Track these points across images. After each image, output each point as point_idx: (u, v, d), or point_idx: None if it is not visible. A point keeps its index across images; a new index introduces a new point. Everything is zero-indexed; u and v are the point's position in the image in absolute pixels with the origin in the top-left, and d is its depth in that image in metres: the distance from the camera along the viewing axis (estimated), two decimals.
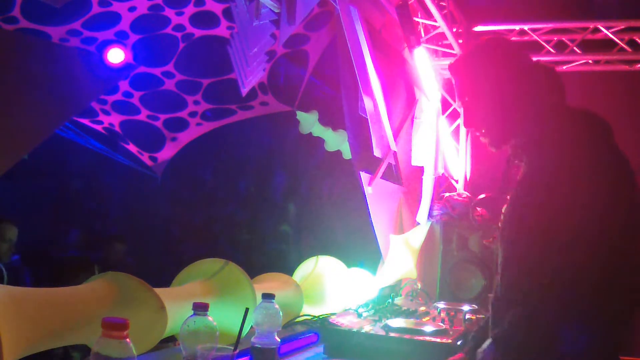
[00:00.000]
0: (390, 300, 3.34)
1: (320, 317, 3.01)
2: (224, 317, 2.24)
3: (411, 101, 4.57)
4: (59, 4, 3.76)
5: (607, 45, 4.51)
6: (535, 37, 4.57)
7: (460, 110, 4.41)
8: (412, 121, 4.60)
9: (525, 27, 4.60)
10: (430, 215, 4.57)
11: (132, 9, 4.21)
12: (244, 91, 3.82)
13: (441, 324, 2.88)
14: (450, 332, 2.71)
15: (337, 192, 8.13)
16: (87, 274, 4.07)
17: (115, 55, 4.61)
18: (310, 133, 5.35)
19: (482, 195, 4.40)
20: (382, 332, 2.65)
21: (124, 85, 5.10)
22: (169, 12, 4.34)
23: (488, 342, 2.09)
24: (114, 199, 8.94)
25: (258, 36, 3.59)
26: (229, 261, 2.48)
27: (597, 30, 4.48)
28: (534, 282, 1.95)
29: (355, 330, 2.65)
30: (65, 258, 6.73)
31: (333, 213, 7.97)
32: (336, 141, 5.40)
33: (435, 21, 4.34)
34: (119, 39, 4.56)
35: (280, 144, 8.43)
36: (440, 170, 4.75)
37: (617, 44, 4.46)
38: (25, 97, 4.01)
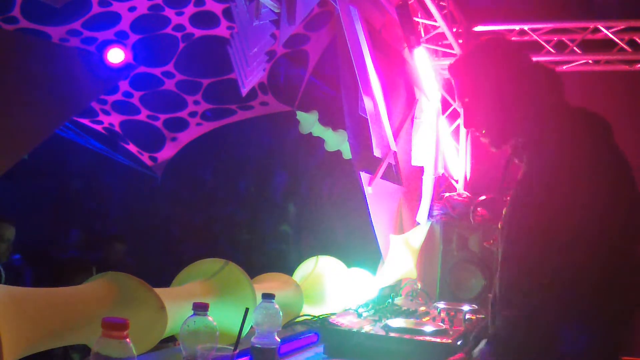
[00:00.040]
0: (390, 300, 3.33)
1: (320, 317, 3.01)
2: (224, 317, 2.24)
3: (411, 101, 4.57)
4: (59, 4, 3.76)
5: (607, 45, 4.51)
6: (535, 37, 4.57)
7: (461, 111, 4.41)
8: (412, 121, 4.60)
9: (525, 27, 4.60)
10: (430, 215, 4.57)
11: (132, 9, 4.21)
12: (244, 91, 3.82)
13: (441, 324, 2.88)
14: (450, 332, 2.71)
15: (337, 192, 8.13)
16: (85, 275, 4.07)
17: (115, 55, 4.61)
18: (310, 133, 5.35)
19: (483, 197, 4.40)
20: (382, 332, 2.65)
21: (124, 85, 5.10)
22: (169, 12, 4.34)
23: (484, 342, 2.09)
24: (114, 199, 8.94)
25: (258, 36, 3.59)
26: (229, 261, 2.48)
27: (597, 30, 4.48)
28: (534, 282, 1.95)
29: (355, 330, 2.65)
30: (63, 259, 6.73)
31: (333, 213, 7.97)
32: (336, 141, 5.40)
33: (435, 21, 4.34)
34: (119, 39, 4.56)
35: (280, 144, 8.43)
36: (440, 170, 4.75)
37: (617, 44, 4.45)
38: (25, 97, 4.01)
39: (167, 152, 5.93)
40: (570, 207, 1.90)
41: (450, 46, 4.64)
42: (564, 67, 4.64)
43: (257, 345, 1.94)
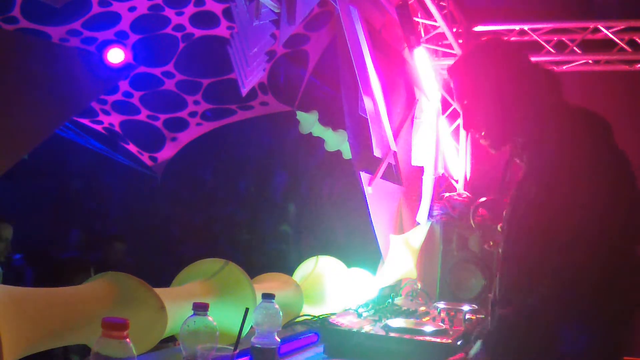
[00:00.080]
0: (390, 300, 3.33)
1: (320, 317, 3.01)
2: (224, 317, 2.24)
3: (411, 101, 4.57)
4: (59, 4, 3.76)
5: (607, 45, 4.51)
6: (535, 37, 4.57)
7: (460, 112, 4.41)
8: (412, 121, 4.60)
9: (525, 27, 4.60)
10: (430, 215, 4.57)
11: (132, 9, 4.21)
12: (244, 91, 3.82)
13: (441, 324, 2.88)
14: (450, 332, 2.71)
15: (337, 192, 8.13)
16: (83, 275, 4.07)
17: (115, 55, 4.61)
18: (310, 133, 5.35)
19: (483, 199, 4.40)
20: (382, 332, 2.65)
21: (124, 85, 5.10)
22: (169, 12, 4.34)
23: (479, 342, 2.09)
24: (114, 199, 8.94)
25: (258, 36, 3.59)
26: (229, 261, 2.48)
27: (597, 30, 4.48)
28: (534, 282, 1.95)
29: (355, 330, 2.65)
30: (61, 259, 6.74)
31: (333, 213, 7.97)
32: (336, 141, 5.40)
33: (435, 21, 4.34)
34: (119, 39, 4.56)
35: (280, 144, 8.44)
36: (440, 170, 4.76)
37: (617, 44, 4.45)
38: (25, 97, 4.01)
39: (167, 152, 5.93)
40: (570, 207, 1.90)
41: (450, 46, 4.64)
42: (564, 67, 4.64)
43: (257, 345, 1.94)
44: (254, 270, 2.75)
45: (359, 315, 2.91)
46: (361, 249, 4.73)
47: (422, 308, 3.38)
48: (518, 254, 2.06)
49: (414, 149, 4.59)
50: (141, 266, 6.14)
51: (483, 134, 2.22)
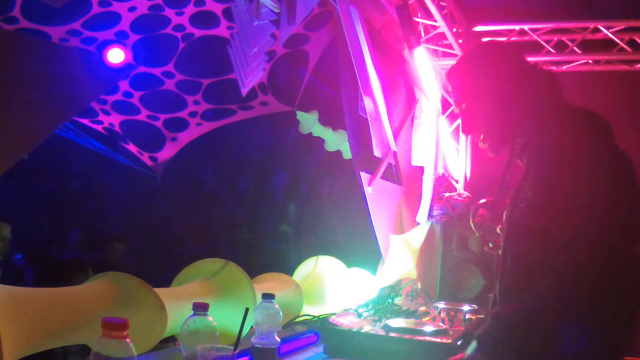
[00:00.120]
0: (390, 300, 3.33)
1: (320, 317, 3.01)
2: (224, 317, 2.24)
3: (411, 101, 4.57)
4: (59, 4, 3.76)
5: (607, 45, 4.51)
6: (535, 37, 4.57)
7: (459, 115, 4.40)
8: (412, 121, 4.60)
9: (525, 27, 4.60)
10: (430, 215, 4.57)
11: (132, 9, 4.21)
12: (244, 91, 3.82)
13: (441, 324, 2.88)
14: (450, 332, 2.71)
15: (337, 192, 8.13)
16: (81, 276, 4.06)
17: (115, 55, 4.61)
18: (310, 133, 5.35)
19: (483, 200, 4.40)
20: (382, 332, 2.64)
21: (124, 85, 5.10)
22: (169, 12, 4.34)
23: (474, 342, 2.09)
24: (114, 199, 8.95)
25: (258, 36, 3.59)
26: (229, 261, 2.48)
27: (597, 30, 4.48)
28: (533, 282, 1.95)
29: (355, 330, 2.65)
30: (60, 259, 6.75)
31: (333, 213, 7.97)
32: (336, 141, 5.40)
33: (435, 21, 4.34)
34: (119, 39, 4.56)
35: (280, 144, 8.44)
36: (440, 170, 4.76)
37: (617, 44, 4.46)
38: (25, 97, 4.01)
39: (167, 152, 5.93)
40: (570, 207, 1.90)
41: (450, 46, 4.64)
42: (564, 67, 4.64)
43: (257, 345, 1.94)
44: (254, 270, 2.75)
45: (359, 315, 2.91)
46: (361, 249, 4.73)
47: (422, 308, 3.38)
48: (518, 254, 2.06)
49: (414, 149, 4.59)
50: (141, 266, 6.14)
51: (482, 137, 2.22)
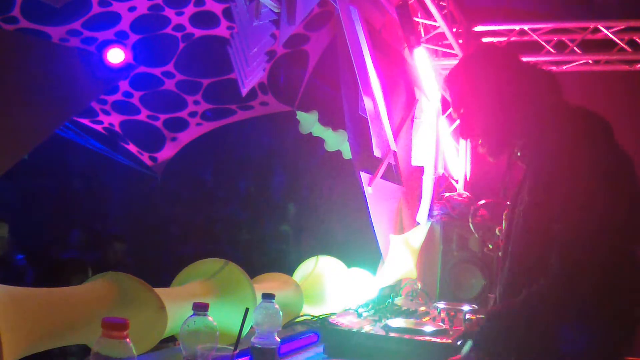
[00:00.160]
0: (390, 300, 3.33)
1: (320, 317, 3.01)
2: (224, 317, 2.24)
3: (411, 101, 4.57)
4: (59, 4, 3.76)
5: (607, 45, 4.51)
6: (535, 37, 4.57)
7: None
8: (412, 121, 4.60)
9: (525, 27, 4.60)
10: (430, 215, 4.57)
11: (132, 9, 4.21)
12: (244, 91, 3.82)
13: (441, 324, 2.88)
14: (450, 332, 2.71)
15: (337, 192, 8.13)
16: (81, 276, 4.06)
17: (115, 55, 4.61)
18: (310, 133, 5.35)
19: (483, 201, 4.40)
20: (382, 332, 2.64)
21: (124, 85, 5.10)
22: (169, 12, 4.34)
23: (470, 341, 2.09)
24: (114, 199, 8.95)
25: (258, 36, 3.59)
26: (229, 261, 2.48)
27: (597, 30, 4.48)
28: (533, 281, 1.95)
29: (355, 330, 2.65)
30: (59, 259, 6.75)
31: (333, 213, 7.98)
32: (336, 141, 5.40)
33: (435, 21, 4.34)
34: (119, 39, 4.56)
35: (280, 144, 8.45)
36: (440, 170, 4.76)
37: (617, 44, 4.46)
38: (25, 97, 4.01)
39: (167, 152, 5.93)
40: (569, 207, 1.90)
41: (450, 46, 4.64)
42: (564, 67, 4.64)
43: (257, 345, 1.94)
44: (254, 270, 2.75)
45: (359, 315, 2.91)
46: (361, 249, 4.73)
47: (422, 308, 3.38)
48: (518, 253, 2.06)
49: (414, 149, 4.59)
50: (141, 266, 6.14)
51: (481, 141, 2.22)
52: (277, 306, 1.97)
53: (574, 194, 1.90)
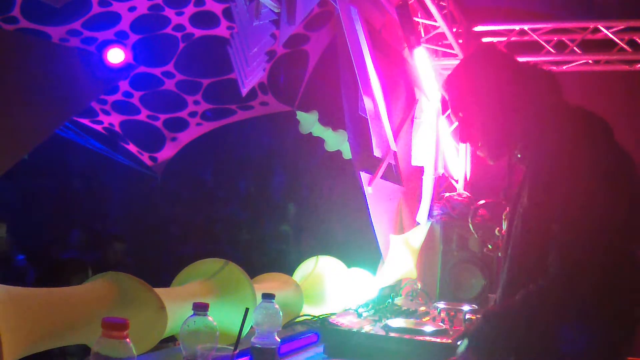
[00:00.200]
0: (390, 300, 3.33)
1: (320, 317, 3.01)
2: (224, 317, 2.24)
3: (411, 101, 4.57)
4: (59, 4, 3.76)
5: (607, 45, 4.51)
6: (535, 37, 4.57)
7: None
8: (412, 121, 4.60)
9: (525, 27, 4.60)
10: (430, 215, 4.57)
11: (132, 9, 4.21)
12: (244, 91, 3.82)
13: (441, 324, 2.88)
14: (450, 332, 2.71)
15: (337, 192, 8.14)
16: (81, 276, 4.07)
17: (115, 55, 4.61)
18: (310, 133, 5.35)
19: (482, 201, 4.40)
20: (382, 332, 2.65)
21: (124, 85, 5.10)
22: (169, 12, 4.34)
23: (465, 340, 2.09)
24: (114, 199, 8.96)
25: (258, 36, 3.59)
26: (229, 261, 2.48)
27: (597, 30, 4.48)
28: (533, 281, 1.95)
29: (355, 330, 2.65)
30: (59, 259, 6.76)
31: (333, 213, 7.98)
32: (336, 141, 5.40)
33: (435, 21, 4.34)
34: (119, 39, 4.56)
35: (280, 144, 8.45)
36: (440, 170, 4.75)
37: (617, 44, 4.46)
38: (25, 97, 4.01)
39: (167, 152, 5.93)
40: (569, 207, 1.90)
41: (450, 46, 4.64)
42: (564, 67, 4.64)
43: (257, 345, 1.94)
44: (254, 270, 2.75)
45: (359, 315, 2.91)
46: (361, 249, 4.73)
47: (422, 308, 3.38)
48: (518, 254, 2.06)
49: (414, 149, 4.59)
50: (141, 266, 6.14)
51: (480, 144, 2.22)
52: (277, 306, 1.97)
53: (574, 194, 1.90)
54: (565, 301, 1.89)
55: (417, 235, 4.41)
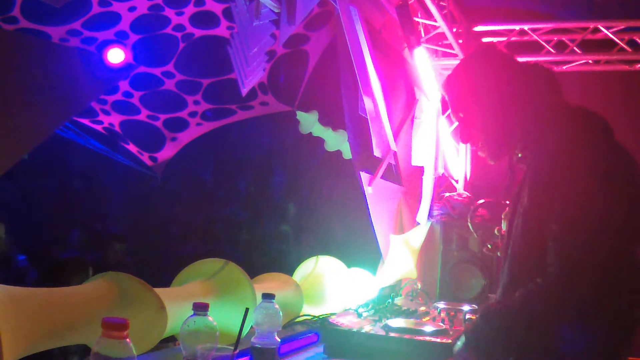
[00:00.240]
0: (390, 300, 3.33)
1: (320, 317, 3.01)
2: (224, 317, 2.24)
3: (411, 101, 4.57)
4: (59, 4, 3.76)
5: (607, 45, 4.51)
6: (535, 37, 4.57)
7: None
8: (412, 121, 4.60)
9: (525, 27, 4.60)
10: (430, 215, 4.57)
11: (132, 9, 4.21)
12: (244, 91, 3.82)
13: (441, 324, 2.88)
14: (450, 332, 2.71)
15: (337, 192, 8.14)
16: (81, 275, 4.07)
17: (115, 55, 4.61)
18: (310, 133, 5.35)
19: (482, 201, 4.40)
20: (382, 332, 2.65)
21: (124, 85, 5.10)
22: (169, 12, 4.34)
23: (461, 341, 2.09)
24: (114, 199, 8.96)
25: (258, 36, 3.59)
26: (229, 261, 2.48)
27: (597, 30, 4.48)
28: (533, 281, 1.95)
29: (355, 330, 2.65)
30: (59, 259, 6.76)
31: (333, 213, 7.98)
32: (336, 141, 5.40)
33: (435, 21, 4.34)
34: (119, 39, 4.56)
35: (280, 144, 8.45)
36: (440, 170, 4.75)
37: (617, 44, 4.46)
38: (25, 97, 4.01)
39: (167, 152, 5.93)
40: (569, 207, 1.90)
41: (450, 46, 4.64)
42: (564, 67, 4.64)
43: (257, 345, 1.94)
44: (254, 270, 2.75)
45: (359, 315, 2.91)
46: (361, 249, 4.73)
47: (422, 308, 3.38)
48: (518, 253, 2.06)
49: (414, 149, 4.59)
50: (141, 266, 6.14)
51: (480, 144, 2.22)
52: (277, 306, 1.97)
53: (574, 194, 1.90)
54: (565, 301, 1.89)
55: (417, 235, 4.41)
